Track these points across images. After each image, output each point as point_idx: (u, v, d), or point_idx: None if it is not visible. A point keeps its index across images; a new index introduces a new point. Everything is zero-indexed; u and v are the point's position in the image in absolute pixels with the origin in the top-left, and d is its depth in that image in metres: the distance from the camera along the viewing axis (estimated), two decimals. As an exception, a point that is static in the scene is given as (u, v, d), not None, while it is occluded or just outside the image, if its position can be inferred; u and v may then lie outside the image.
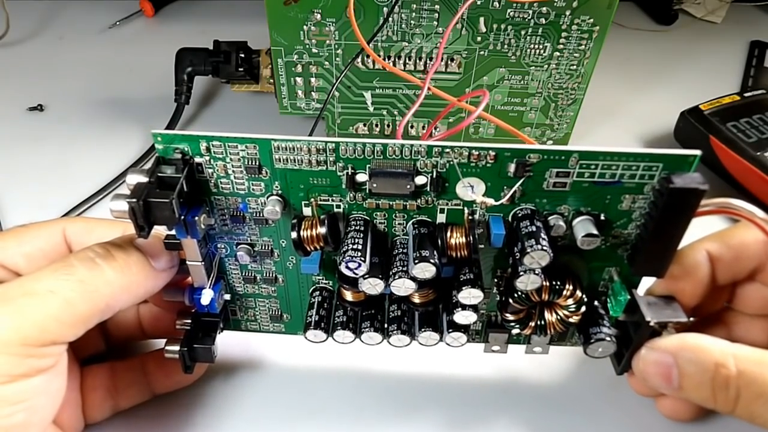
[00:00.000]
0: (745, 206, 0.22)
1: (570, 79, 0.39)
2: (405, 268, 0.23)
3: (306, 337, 0.26)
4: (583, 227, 0.23)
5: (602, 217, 0.23)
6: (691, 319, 0.25)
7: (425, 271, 0.22)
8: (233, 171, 0.23)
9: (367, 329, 0.26)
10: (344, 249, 0.23)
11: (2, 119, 0.48)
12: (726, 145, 0.41)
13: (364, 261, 0.22)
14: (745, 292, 0.26)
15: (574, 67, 0.39)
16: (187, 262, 0.25)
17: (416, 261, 0.22)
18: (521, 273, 0.23)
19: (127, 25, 0.61)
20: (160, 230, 0.23)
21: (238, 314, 0.29)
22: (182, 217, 0.22)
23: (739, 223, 0.24)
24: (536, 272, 0.22)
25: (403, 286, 0.23)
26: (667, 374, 0.23)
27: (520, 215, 0.23)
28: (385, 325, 0.26)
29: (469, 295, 0.23)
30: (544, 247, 0.22)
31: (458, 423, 0.28)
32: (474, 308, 0.24)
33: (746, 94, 0.45)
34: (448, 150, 0.22)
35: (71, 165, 0.44)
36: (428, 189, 0.23)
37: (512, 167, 0.22)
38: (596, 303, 0.26)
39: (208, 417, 0.29)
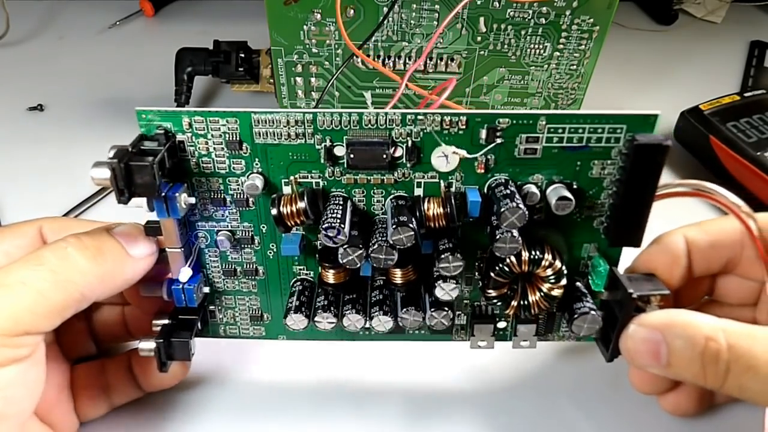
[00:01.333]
0: (718, 189, 0.23)
1: (570, 79, 0.39)
2: (384, 238, 0.23)
3: (286, 324, 0.26)
4: (556, 193, 0.24)
5: (574, 186, 0.24)
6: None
7: (403, 235, 0.23)
8: (214, 148, 0.24)
9: (349, 311, 0.26)
10: (323, 220, 0.23)
11: (2, 119, 0.48)
12: (726, 145, 0.41)
13: (343, 228, 0.23)
14: (725, 284, 0.27)
15: (574, 67, 0.39)
16: (167, 250, 0.25)
17: (394, 226, 0.22)
18: (499, 236, 0.23)
19: (127, 25, 0.61)
20: (141, 203, 0.23)
21: (217, 316, 0.29)
22: (163, 194, 0.22)
23: (721, 216, 0.25)
24: (514, 235, 0.23)
25: (383, 256, 0.23)
26: (656, 351, 0.23)
27: (494, 185, 0.24)
28: (368, 308, 0.26)
29: (449, 263, 0.24)
30: (519, 205, 0.22)
31: (457, 426, 0.28)
32: (455, 280, 0.24)
33: (746, 94, 0.45)
34: (421, 117, 0.23)
35: (71, 165, 0.44)
36: (404, 159, 0.24)
37: (483, 133, 0.23)
38: (579, 284, 0.26)
39: (198, 419, 0.29)
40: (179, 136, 0.24)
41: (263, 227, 0.26)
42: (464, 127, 0.23)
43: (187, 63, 0.46)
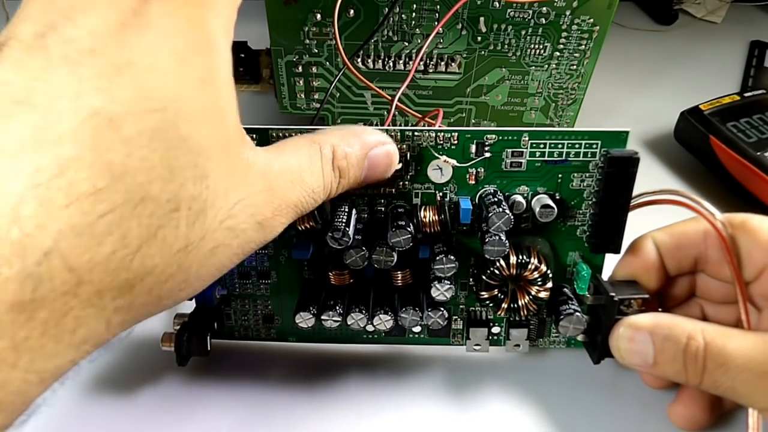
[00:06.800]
0: (689, 195, 0.26)
1: (570, 79, 0.39)
2: (384, 240, 0.26)
3: (295, 321, 0.27)
4: (539, 202, 0.26)
5: (557, 196, 0.27)
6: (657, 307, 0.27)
7: (401, 238, 0.25)
8: None
9: (353, 311, 0.27)
10: (331, 226, 0.25)
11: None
12: (726, 145, 0.41)
13: (348, 230, 0.25)
14: (703, 283, 0.28)
15: (574, 67, 0.39)
16: None
17: (393, 229, 0.25)
18: (488, 239, 0.25)
19: (127, 25, 0.61)
20: None
21: (232, 318, 0.30)
22: None
23: (685, 219, 0.27)
24: (502, 238, 0.25)
25: (382, 257, 0.25)
26: (643, 351, 0.24)
27: (484, 194, 0.26)
28: (370, 308, 0.28)
29: (443, 265, 0.26)
30: (505, 210, 0.25)
31: (454, 427, 0.28)
32: (449, 281, 0.26)
33: (746, 94, 0.45)
34: (419, 134, 0.26)
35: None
36: (402, 171, 0.26)
37: (473, 147, 0.26)
38: (565, 289, 0.28)
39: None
40: None
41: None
42: (456, 142, 0.26)
43: (187, 63, 0.46)
